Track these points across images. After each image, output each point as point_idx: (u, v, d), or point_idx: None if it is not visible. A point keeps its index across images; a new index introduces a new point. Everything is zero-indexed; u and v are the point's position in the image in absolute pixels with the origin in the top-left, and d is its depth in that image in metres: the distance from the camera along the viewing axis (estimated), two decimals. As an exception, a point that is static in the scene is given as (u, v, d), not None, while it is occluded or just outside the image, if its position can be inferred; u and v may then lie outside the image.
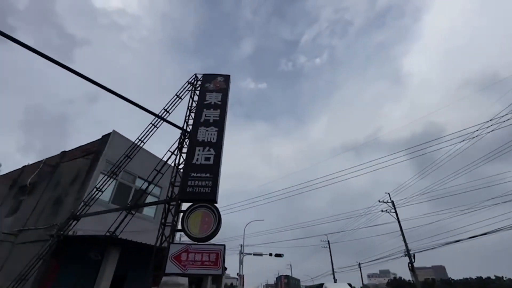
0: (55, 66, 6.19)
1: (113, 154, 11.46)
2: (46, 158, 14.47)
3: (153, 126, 9.52)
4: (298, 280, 62.09)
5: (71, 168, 12.46)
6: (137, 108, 7.71)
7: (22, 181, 14.12)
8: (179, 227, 7.25)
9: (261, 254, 28.66)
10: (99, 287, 8.41)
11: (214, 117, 9.13)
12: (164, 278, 5.67)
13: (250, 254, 29.02)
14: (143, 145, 9.68)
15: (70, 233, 8.94)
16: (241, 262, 27.20)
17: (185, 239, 7.84)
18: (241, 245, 28.75)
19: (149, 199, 12.94)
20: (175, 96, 9.88)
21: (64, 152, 13.87)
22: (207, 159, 8.04)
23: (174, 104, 9.77)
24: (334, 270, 38.96)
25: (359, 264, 40.54)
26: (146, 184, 9.52)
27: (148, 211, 13.48)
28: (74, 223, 8.84)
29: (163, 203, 7.91)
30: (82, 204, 8.97)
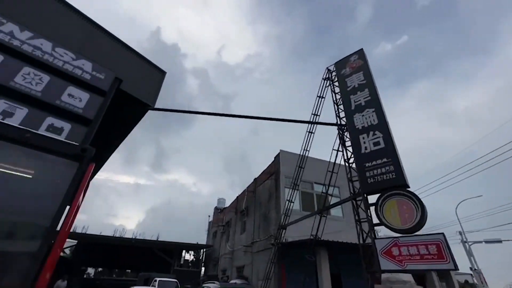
0: (224, 120, 8.16)
1: (288, 169, 13.13)
2: (247, 187, 18.90)
3: (310, 134, 10.05)
4: None
5: (264, 189, 15.49)
6: (288, 124, 8.49)
7: (240, 207, 19.14)
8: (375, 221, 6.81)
9: (499, 241, 21.17)
10: (322, 284, 9.36)
11: (364, 98, 8.31)
12: (385, 275, 5.37)
13: (480, 242, 22.19)
14: (308, 154, 10.38)
15: (283, 240, 10.79)
16: (470, 254, 21.29)
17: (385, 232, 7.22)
18: (460, 232, 22.76)
19: (332, 200, 13.39)
20: (318, 98, 10.03)
21: (255, 179, 17.58)
22: (376, 143, 7.28)
23: (319, 106, 9.92)
24: None
25: None
26: (322, 187, 9.97)
27: (335, 211, 13.90)
28: (283, 232, 10.64)
29: (349, 201, 7.84)
30: (283, 216, 10.70)
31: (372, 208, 6.67)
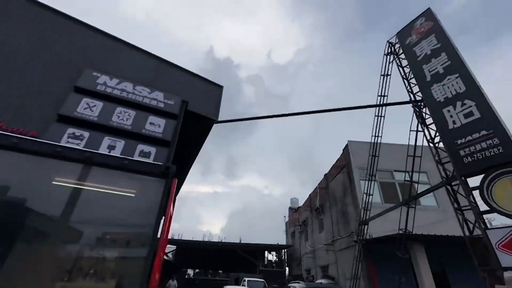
0: (284, 120, 8.14)
1: (360, 160, 12.16)
2: (318, 184, 18.34)
3: (379, 118, 9.11)
4: None
5: (336, 184, 14.73)
6: (352, 113, 7.88)
7: (314, 205, 18.68)
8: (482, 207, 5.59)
9: None
10: (423, 284, 8.21)
11: (442, 65, 7.04)
12: (508, 274, 4.35)
13: None
14: (381, 140, 9.41)
15: (367, 236, 9.98)
16: None
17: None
18: None
19: (420, 188, 11.69)
20: (382, 77, 9.03)
21: (326, 175, 16.90)
22: (469, 114, 6.03)
23: (385, 85, 8.90)
24: None
25: None
26: (404, 174, 8.80)
27: (427, 201, 12.07)
28: (365, 227, 9.85)
29: (441, 187, 6.70)
30: (362, 210, 9.93)
31: (476, 193, 5.52)
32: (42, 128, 4.37)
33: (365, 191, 9.84)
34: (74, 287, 2.31)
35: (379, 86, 8.99)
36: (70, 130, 4.32)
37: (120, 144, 4.53)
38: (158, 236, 2.48)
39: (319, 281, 13.14)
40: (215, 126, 6.96)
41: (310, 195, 20.37)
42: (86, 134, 4.39)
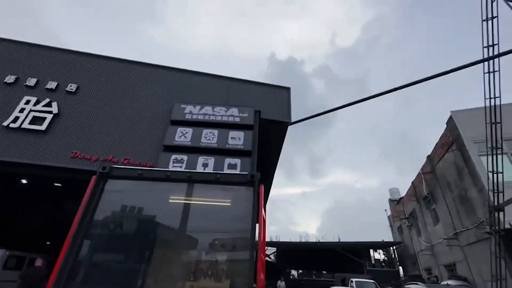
0: (365, 105, 7.43)
1: (473, 131, 9.78)
2: (421, 169, 15.74)
3: (491, 74, 7.18)
4: None
5: (446, 166, 12.26)
6: (446, 80, 6.47)
7: (420, 194, 16.05)
8: None
9: None
10: None
11: None
12: None
13: None
14: (500, 101, 7.37)
15: (508, 225, 7.83)
16: None
17: None
18: None
19: None
20: (484, 22, 7.11)
21: (429, 157, 14.36)
22: None
23: (491, 31, 6.97)
24: None
25: None
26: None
27: None
28: (499, 214, 7.76)
29: None
30: (492, 193, 7.90)
31: None
32: (155, 158, 5.50)
33: (490, 169, 7.80)
34: (199, 286, 2.75)
35: (483, 35, 7.09)
36: (173, 156, 5.26)
37: (211, 161, 5.19)
38: (256, 239, 2.69)
39: (446, 282, 11.04)
40: (291, 127, 7.05)
41: (412, 182, 17.66)
42: (185, 157, 5.24)
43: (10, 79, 6.56)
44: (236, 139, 5.54)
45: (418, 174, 16.19)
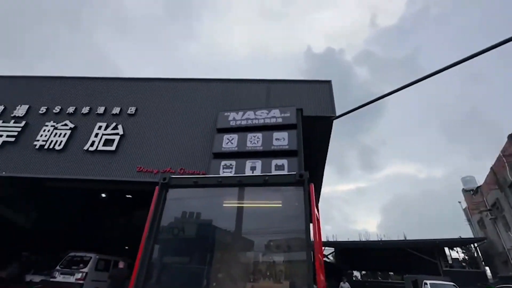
0: (418, 87, 6.67)
1: None
2: (501, 151, 13.40)
3: None
4: None
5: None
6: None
7: (505, 181, 13.60)
8: None
9: None
10: None
11: None
12: None
13: None
14: None
15: None
16: None
17: None
18: None
19: None
20: None
21: (510, 136, 12.16)
22: None
23: None
24: None
25: None
26: None
27: None
28: None
29: None
30: None
31: None
32: (207, 166, 5.85)
33: None
34: (259, 287, 2.81)
35: None
36: (223, 163, 5.52)
37: (258, 164, 5.29)
38: (312, 239, 2.64)
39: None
40: (338, 121, 6.75)
41: (492, 168, 15.10)
42: (234, 162, 5.45)
43: (85, 110, 7.80)
44: (281, 139, 5.54)
45: (499, 158, 13.77)
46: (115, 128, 7.35)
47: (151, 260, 2.66)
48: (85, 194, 12.91)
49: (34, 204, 12.44)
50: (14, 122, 7.69)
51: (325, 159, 8.46)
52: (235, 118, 6.18)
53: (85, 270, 8.22)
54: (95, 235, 15.29)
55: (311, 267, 2.41)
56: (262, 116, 6.08)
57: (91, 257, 8.60)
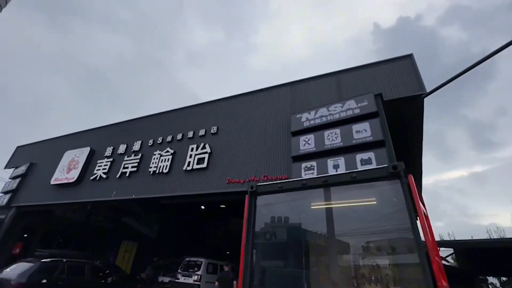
0: None
1: None
2: None
3: None
4: None
5: None
6: None
7: None
8: None
9: None
10: None
11: None
12: None
13: None
14: None
15: None
16: None
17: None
18: None
19: None
20: None
21: None
22: None
23: None
24: None
25: None
26: None
27: None
28: None
29: None
30: None
31: None
32: (288, 170, 5.92)
33: None
34: (365, 292, 2.60)
35: None
36: (303, 165, 5.46)
37: (341, 161, 4.99)
38: (422, 238, 2.28)
39: None
40: (429, 98, 5.72)
41: None
42: (314, 163, 5.32)
43: (179, 136, 9.27)
44: (362, 131, 5.08)
45: None
46: (204, 147, 8.38)
47: (252, 264, 2.85)
48: (189, 207, 15.17)
49: (155, 218, 15.47)
50: (134, 156, 9.81)
51: (421, 145, 7.23)
52: (308, 118, 6.05)
53: (200, 272, 9.54)
54: (201, 242, 17.64)
55: (427, 271, 2.08)
56: (337, 110, 5.74)
57: (202, 262, 9.94)
